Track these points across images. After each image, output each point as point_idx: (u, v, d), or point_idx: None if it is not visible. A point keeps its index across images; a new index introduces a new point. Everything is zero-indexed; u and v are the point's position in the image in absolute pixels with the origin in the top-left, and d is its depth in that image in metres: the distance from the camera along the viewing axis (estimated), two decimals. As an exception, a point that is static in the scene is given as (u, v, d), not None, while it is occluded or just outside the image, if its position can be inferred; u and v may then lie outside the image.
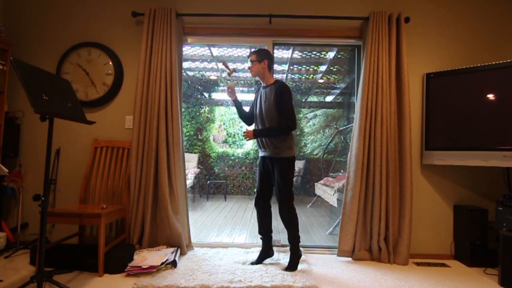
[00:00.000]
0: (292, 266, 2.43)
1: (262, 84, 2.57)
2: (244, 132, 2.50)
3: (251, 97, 8.05)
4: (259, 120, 2.53)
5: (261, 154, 2.58)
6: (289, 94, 2.40)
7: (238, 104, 2.67)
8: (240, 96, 2.71)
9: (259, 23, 3.02)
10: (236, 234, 3.84)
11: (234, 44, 3.20)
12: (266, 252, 2.59)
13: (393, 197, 2.73)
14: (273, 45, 3.08)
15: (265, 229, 2.59)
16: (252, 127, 2.63)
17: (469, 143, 2.69)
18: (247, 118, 2.70)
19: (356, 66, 3.16)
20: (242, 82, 7.33)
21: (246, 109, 2.73)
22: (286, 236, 2.48)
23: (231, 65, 2.61)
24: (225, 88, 2.61)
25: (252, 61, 2.50)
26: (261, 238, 2.62)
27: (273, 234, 2.64)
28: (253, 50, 2.55)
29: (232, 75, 2.64)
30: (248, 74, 6.68)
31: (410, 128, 2.79)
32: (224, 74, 3.93)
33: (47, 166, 1.94)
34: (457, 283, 2.33)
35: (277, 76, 7.01)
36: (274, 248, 2.71)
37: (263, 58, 2.48)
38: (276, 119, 2.42)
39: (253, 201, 2.80)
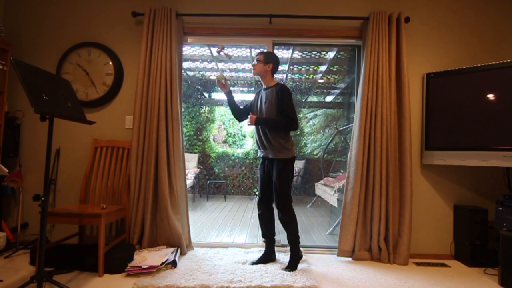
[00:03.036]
0: (292, 265, 2.44)
1: (263, 86, 2.58)
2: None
3: (251, 97, 8.03)
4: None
5: (260, 154, 2.58)
6: (290, 96, 2.43)
7: (230, 98, 2.66)
8: (240, 96, 2.71)
9: (259, 23, 3.02)
10: (236, 234, 3.84)
11: (234, 44, 3.20)
12: (268, 256, 2.59)
13: (393, 197, 2.73)
14: (273, 45, 3.08)
15: (268, 232, 2.60)
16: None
17: (469, 143, 2.68)
18: (239, 113, 2.70)
19: (356, 66, 3.16)
20: (242, 82, 7.33)
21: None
22: (286, 237, 2.48)
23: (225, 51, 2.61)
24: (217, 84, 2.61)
25: (258, 60, 2.52)
26: (264, 241, 2.63)
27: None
28: (262, 50, 2.56)
29: (225, 71, 2.63)
30: (248, 74, 6.68)
31: (410, 128, 2.79)
32: (215, 53, 3.90)
33: (47, 166, 1.93)
34: (457, 283, 2.33)
35: (277, 76, 7.01)
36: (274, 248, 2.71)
37: (269, 60, 2.51)
38: (274, 117, 2.44)
39: (253, 201, 2.80)
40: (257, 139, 2.56)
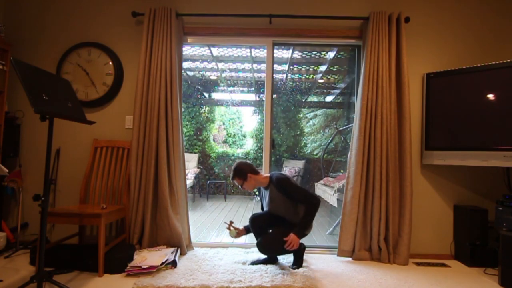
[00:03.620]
0: (298, 263, 2.48)
1: (262, 188, 2.59)
2: (286, 241, 2.27)
3: (251, 97, 8.05)
4: (273, 212, 2.54)
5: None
6: (288, 182, 2.39)
7: (250, 230, 2.62)
8: (240, 96, 2.70)
9: (259, 23, 3.02)
10: (236, 234, 3.84)
11: (234, 44, 3.20)
12: (271, 258, 2.59)
13: (393, 197, 2.73)
14: (273, 45, 3.08)
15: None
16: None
17: (469, 143, 2.68)
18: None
19: (356, 66, 3.16)
20: (242, 82, 7.33)
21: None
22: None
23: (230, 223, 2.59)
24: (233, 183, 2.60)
25: (241, 185, 2.49)
26: None
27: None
28: (231, 175, 2.51)
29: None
30: (249, 74, 6.69)
31: (410, 128, 2.79)
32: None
33: (47, 166, 1.93)
34: (457, 283, 2.33)
35: (277, 76, 7.01)
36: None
37: (245, 175, 2.45)
38: (289, 208, 2.44)
39: (253, 201, 2.80)
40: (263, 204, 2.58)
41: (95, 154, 2.91)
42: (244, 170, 2.46)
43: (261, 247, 2.39)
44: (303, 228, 2.34)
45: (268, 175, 2.53)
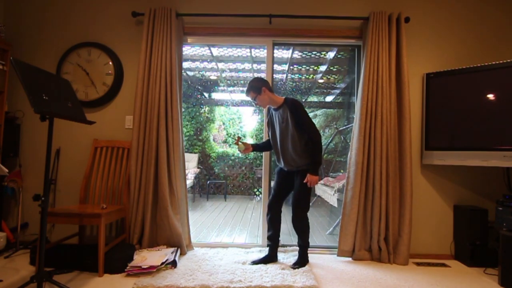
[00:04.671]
0: (300, 263, 2.50)
1: (272, 107, 2.57)
2: (306, 182, 2.39)
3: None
4: (279, 141, 2.52)
5: (280, 166, 2.60)
6: (303, 109, 2.43)
7: (257, 148, 2.70)
8: (240, 96, 2.70)
9: (259, 23, 3.02)
10: (236, 234, 3.84)
11: (234, 44, 3.19)
12: (271, 259, 2.59)
13: (393, 197, 2.73)
14: (273, 45, 3.08)
15: (275, 234, 2.61)
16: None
17: (469, 143, 2.68)
18: (268, 147, 2.74)
19: (356, 66, 3.16)
20: (242, 82, 7.33)
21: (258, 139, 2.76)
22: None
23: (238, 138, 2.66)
24: (234, 139, 2.67)
25: (253, 98, 2.51)
26: (268, 244, 2.63)
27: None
28: (245, 89, 2.53)
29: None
30: (249, 74, 6.68)
31: (410, 128, 2.79)
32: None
33: (47, 166, 1.94)
34: (457, 283, 2.33)
35: (277, 76, 6.99)
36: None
37: (259, 88, 2.47)
38: (296, 135, 2.43)
39: (253, 201, 2.81)
40: (278, 159, 2.57)
41: (95, 154, 2.91)
42: (258, 84, 2.48)
43: (295, 206, 2.44)
44: (317, 164, 2.39)
45: (284, 97, 2.54)
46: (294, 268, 2.42)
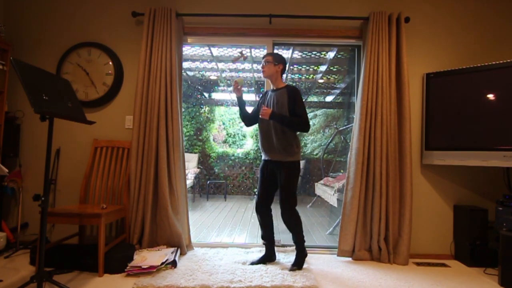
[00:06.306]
0: (298, 263, 2.46)
1: (272, 87, 2.58)
2: (264, 109, 2.39)
3: (251, 97, 8.04)
4: (271, 123, 2.46)
5: (265, 157, 2.55)
6: (302, 98, 2.44)
7: (241, 103, 2.67)
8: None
9: (259, 23, 3.02)
10: (236, 234, 3.84)
11: (234, 44, 3.20)
12: (269, 257, 2.60)
13: (393, 197, 2.73)
14: (273, 45, 3.08)
15: (268, 234, 2.60)
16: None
17: (469, 143, 2.68)
18: (248, 119, 2.69)
19: (356, 66, 3.16)
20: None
21: (249, 110, 2.73)
22: (286, 236, 2.49)
23: (244, 52, 2.66)
24: (232, 84, 2.62)
25: (267, 62, 2.51)
26: (264, 243, 2.62)
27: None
28: (270, 52, 2.58)
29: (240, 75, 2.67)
30: (249, 74, 6.68)
31: (410, 128, 2.79)
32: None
33: (47, 166, 1.93)
34: (457, 283, 2.33)
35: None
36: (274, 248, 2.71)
37: (279, 61, 2.51)
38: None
39: (253, 201, 2.80)
40: (263, 143, 2.52)
41: (95, 154, 2.91)
42: (281, 58, 2.53)
43: (283, 203, 2.41)
44: (282, 118, 2.37)
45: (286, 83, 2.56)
46: (292, 270, 2.40)
